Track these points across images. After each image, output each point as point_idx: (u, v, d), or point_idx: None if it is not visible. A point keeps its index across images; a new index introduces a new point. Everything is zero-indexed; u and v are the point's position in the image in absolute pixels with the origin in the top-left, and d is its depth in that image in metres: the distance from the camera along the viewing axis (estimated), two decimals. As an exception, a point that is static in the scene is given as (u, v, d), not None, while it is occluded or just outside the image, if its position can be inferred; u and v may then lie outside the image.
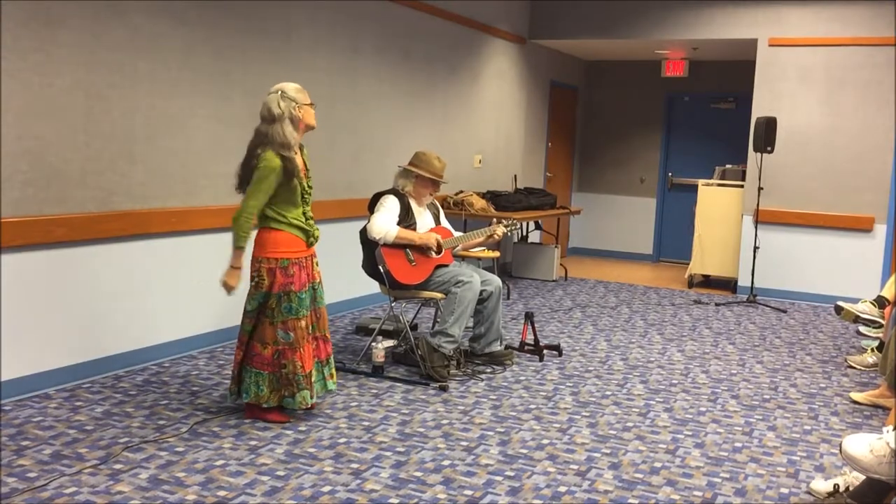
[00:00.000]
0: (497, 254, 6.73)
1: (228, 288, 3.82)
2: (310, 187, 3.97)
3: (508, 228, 5.31)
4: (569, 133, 10.66)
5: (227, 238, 5.21)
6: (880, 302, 5.50)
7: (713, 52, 9.34)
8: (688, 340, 6.13)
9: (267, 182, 3.74)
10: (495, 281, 5.06)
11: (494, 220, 5.38)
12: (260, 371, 3.87)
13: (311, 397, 3.93)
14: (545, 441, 3.88)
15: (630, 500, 3.27)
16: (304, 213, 3.95)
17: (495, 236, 5.17)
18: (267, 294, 3.84)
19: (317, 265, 4.06)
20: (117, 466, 3.36)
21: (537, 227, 9.03)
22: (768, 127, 7.56)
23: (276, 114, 3.75)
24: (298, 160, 3.88)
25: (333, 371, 4.11)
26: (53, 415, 3.92)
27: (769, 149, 7.59)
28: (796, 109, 7.97)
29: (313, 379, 3.97)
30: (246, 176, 3.84)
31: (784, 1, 7.95)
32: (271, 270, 3.84)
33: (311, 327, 3.97)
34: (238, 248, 3.82)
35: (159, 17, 4.70)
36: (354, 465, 3.49)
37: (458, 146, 7.98)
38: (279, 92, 3.80)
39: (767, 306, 7.62)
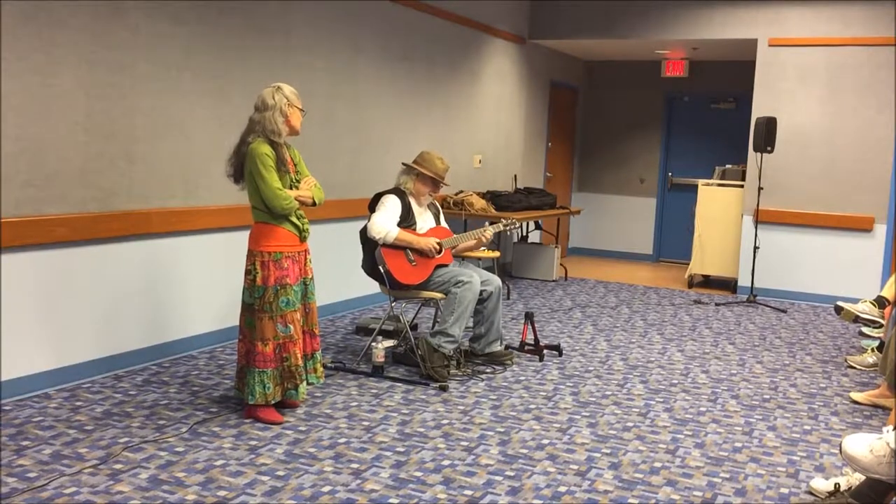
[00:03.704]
0: (497, 254, 6.73)
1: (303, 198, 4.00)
2: (298, 181, 4.04)
3: (506, 227, 5.32)
4: (569, 133, 10.66)
5: (226, 238, 5.24)
6: (880, 302, 5.50)
7: (713, 52, 9.34)
8: (688, 340, 6.13)
9: (266, 165, 3.84)
10: (495, 281, 5.06)
11: (488, 221, 5.37)
12: (264, 370, 3.91)
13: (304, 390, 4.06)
14: (545, 441, 3.88)
15: (630, 500, 3.27)
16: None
17: (483, 238, 5.15)
18: (263, 288, 3.89)
19: (309, 262, 4.11)
20: (117, 466, 3.36)
21: (537, 227, 9.03)
22: (768, 127, 7.55)
23: (270, 104, 3.90)
24: (285, 155, 3.99)
25: (318, 365, 4.18)
26: (53, 415, 3.92)
27: (769, 149, 7.59)
28: (796, 109, 7.97)
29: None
30: (238, 163, 3.95)
31: (784, 1, 7.95)
32: (265, 264, 3.92)
33: (301, 321, 4.05)
34: (303, 204, 4.00)
35: (159, 17, 4.70)
36: (354, 465, 3.49)
37: (458, 146, 7.98)
38: (276, 86, 3.96)
39: (767, 306, 7.61)
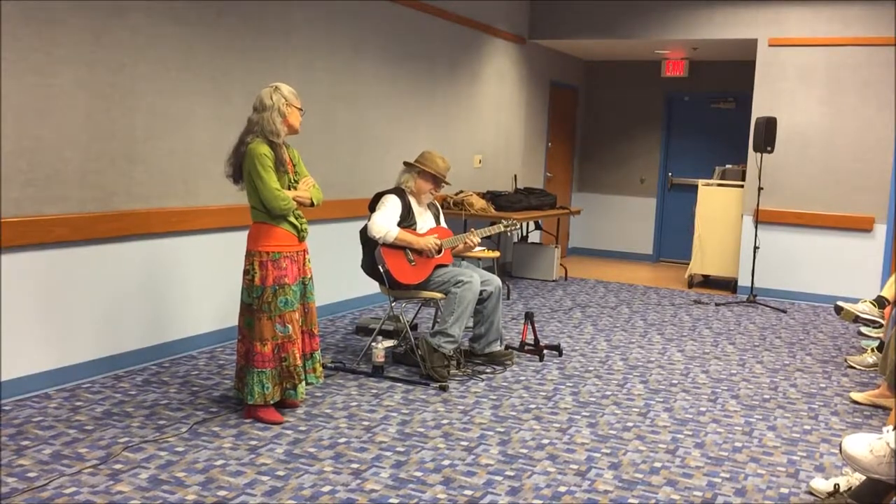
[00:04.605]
0: (497, 254, 6.73)
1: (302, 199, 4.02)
2: (296, 182, 4.05)
3: (507, 228, 5.32)
4: (569, 133, 10.66)
5: (226, 238, 5.24)
6: (880, 302, 5.50)
7: (713, 52, 9.34)
8: (688, 340, 6.13)
9: (264, 165, 3.84)
10: (495, 281, 5.06)
11: (490, 222, 5.37)
12: (262, 370, 3.91)
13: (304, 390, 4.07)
14: (545, 441, 3.88)
15: (630, 500, 3.27)
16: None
17: (468, 243, 5.10)
18: (262, 288, 3.89)
19: (308, 261, 4.11)
20: (117, 466, 3.37)
21: (537, 227, 9.03)
22: (768, 127, 7.55)
23: (268, 104, 3.90)
24: (284, 155, 3.99)
25: (317, 365, 4.18)
26: (53, 415, 3.92)
27: (769, 149, 7.59)
28: (796, 109, 7.97)
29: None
30: (237, 163, 3.96)
31: (784, 1, 7.95)
32: (263, 263, 3.92)
33: (300, 321, 4.05)
34: (301, 204, 4.02)
35: (159, 17, 4.70)
36: (354, 465, 3.49)
37: (458, 146, 7.98)
38: (274, 87, 3.96)
39: (767, 306, 7.61)
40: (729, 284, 8.61)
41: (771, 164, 7.92)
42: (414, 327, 5.86)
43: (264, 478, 3.32)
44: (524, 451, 3.74)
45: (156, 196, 4.79)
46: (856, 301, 5.65)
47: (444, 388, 4.61)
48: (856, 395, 4.76)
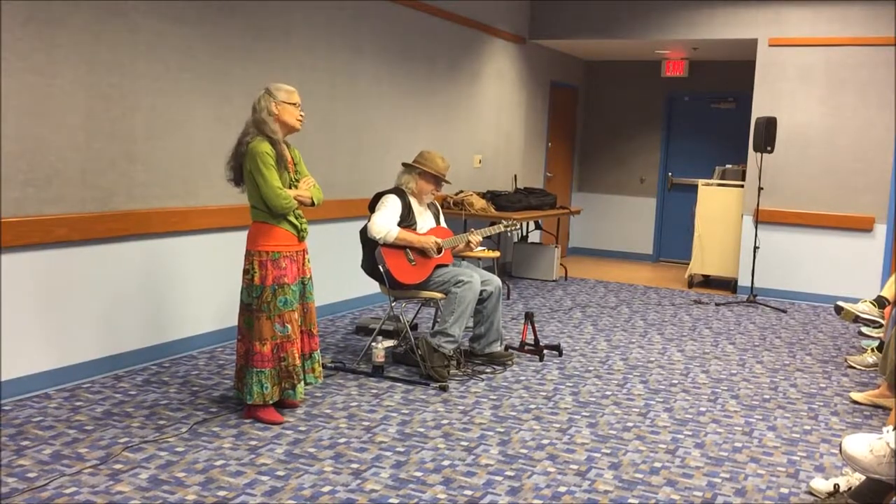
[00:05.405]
0: (497, 253, 6.72)
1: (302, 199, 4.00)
2: (297, 181, 4.04)
3: (507, 228, 5.33)
4: (569, 133, 10.66)
5: (226, 238, 5.24)
6: (880, 302, 5.49)
7: (713, 52, 9.34)
8: (688, 340, 6.13)
9: (266, 163, 3.84)
10: (495, 281, 5.06)
11: (490, 222, 5.37)
12: (262, 369, 3.91)
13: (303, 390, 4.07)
14: (545, 441, 3.88)
15: (630, 500, 3.27)
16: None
17: (469, 242, 5.13)
18: (261, 288, 3.89)
19: (307, 261, 4.11)
20: (117, 466, 3.37)
21: (537, 227, 9.03)
22: (768, 127, 7.55)
23: (258, 108, 3.92)
24: (285, 153, 3.99)
25: (317, 365, 4.18)
26: (53, 415, 3.92)
27: (769, 149, 7.59)
28: (796, 109, 7.97)
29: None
30: (237, 164, 3.96)
31: (784, 1, 7.95)
32: (262, 263, 3.92)
33: (299, 321, 4.05)
34: (302, 204, 4.00)
35: (159, 17, 4.70)
36: (354, 465, 3.49)
37: (458, 146, 7.98)
38: (264, 90, 3.97)
39: (767, 306, 7.62)
40: (729, 284, 8.61)
41: (771, 164, 7.92)
42: (414, 327, 5.86)
43: (264, 478, 3.33)
44: (524, 451, 3.75)
45: (156, 196, 4.79)
46: (856, 301, 5.64)
47: (444, 388, 4.61)
48: (856, 395, 4.76)
